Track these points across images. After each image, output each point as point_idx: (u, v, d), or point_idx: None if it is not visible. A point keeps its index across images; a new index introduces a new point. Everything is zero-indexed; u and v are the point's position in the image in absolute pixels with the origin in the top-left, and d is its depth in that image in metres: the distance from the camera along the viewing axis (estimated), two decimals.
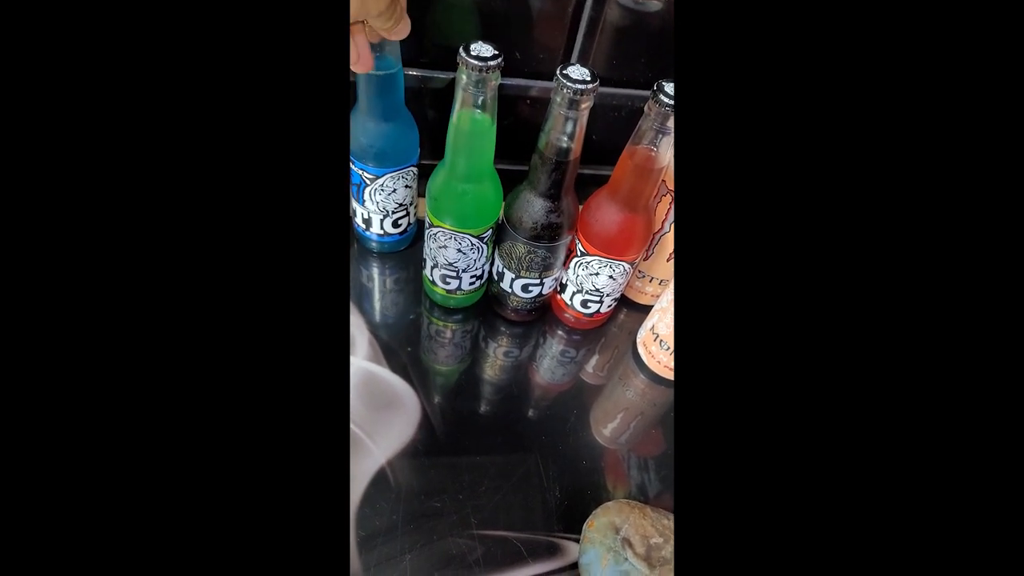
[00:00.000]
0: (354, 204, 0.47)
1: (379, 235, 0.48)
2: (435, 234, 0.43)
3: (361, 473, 0.40)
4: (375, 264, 0.54)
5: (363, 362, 0.46)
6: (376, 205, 0.45)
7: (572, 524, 0.40)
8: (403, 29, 0.34)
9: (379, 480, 0.40)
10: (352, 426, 0.42)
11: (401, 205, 0.46)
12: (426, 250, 0.46)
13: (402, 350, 0.48)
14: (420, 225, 0.53)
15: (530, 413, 0.46)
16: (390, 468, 0.41)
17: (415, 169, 0.46)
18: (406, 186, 0.44)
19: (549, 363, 0.51)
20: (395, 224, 0.47)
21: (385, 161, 0.42)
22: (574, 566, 0.38)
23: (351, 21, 0.30)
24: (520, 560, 0.38)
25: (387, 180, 0.43)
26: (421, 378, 0.46)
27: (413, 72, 0.49)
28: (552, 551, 0.39)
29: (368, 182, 0.43)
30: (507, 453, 0.43)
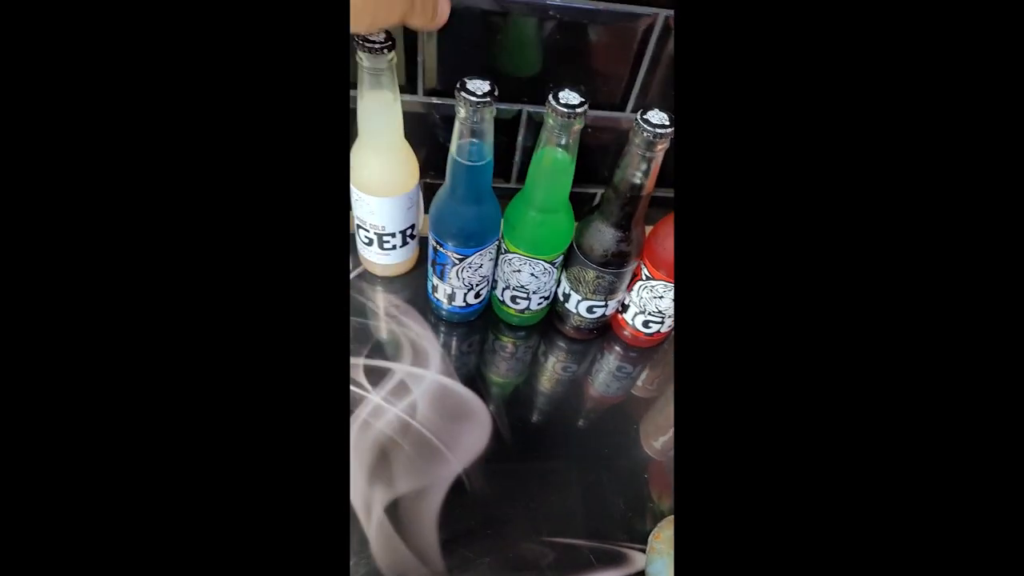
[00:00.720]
0: (436, 282, 0.49)
1: (460, 307, 0.50)
2: (510, 259, 0.46)
3: (441, 480, 0.43)
4: None
5: (437, 375, 0.49)
6: (462, 282, 0.47)
7: (636, 534, 0.43)
8: (443, 10, 0.32)
9: (457, 487, 0.43)
10: (430, 436, 0.45)
11: (484, 278, 0.48)
12: (499, 273, 0.49)
13: (471, 364, 0.51)
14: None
15: (592, 426, 0.49)
16: (466, 476, 0.44)
17: (499, 243, 0.48)
18: (490, 260, 0.47)
19: (606, 378, 0.54)
20: (476, 295, 0.50)
21: (474, 241, 0.44)
22: (640, 574, 0.41)
23: (382, 26, 0.30)
24: (589, 567, 0.41)
25: (475, 258, 0.45)
26: (489, 391, 0.50)
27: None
28: (619, 560, 0.42)
29: (456, 262, 0.45)
30: (572, 464, 0.46)
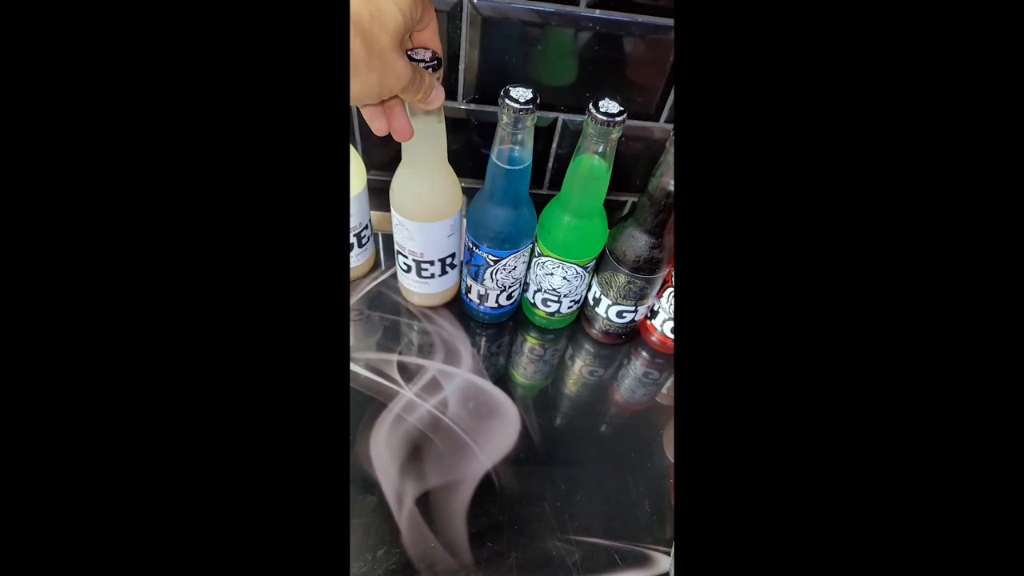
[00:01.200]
0: (471, 282, 0.50)
1: (492, 308, 0.52)
2: (543, 262, 0.47)
3: (470, 475, 0.44)
4: None
5: (468, 374, 0.51)
6: (495, 283, 0.49)
7: (660, 537, 0.43)
8: (436, 98, 0.34)
9: (486, 483, 0.44)
10: (460, 432, 0.47)
11: (516, 280, 0.50)
12: (531, 276, 0.50)
13: (499, 365, 0.53)
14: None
15: (618, 430, 0.50)
16: (495, 473, 0.45)
17: (532, 245, 0.49)
18: (523, 263, 0.48)
19: (631, 383, 0.54)
20: (508, 297, 0.51)
21: (509, 244, 0.45)
22: None
23: (377, 101, 0.31)
24: (614, 566, 0.42)
25: (510, 260, 0.46)
26: (517, 391, 0.51)
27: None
28: (643, 561, 0.42)
29: (491, 263, 0.46)
30: (599, 465, 0.47)
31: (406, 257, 0.49)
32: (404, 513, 0.42)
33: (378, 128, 0.35)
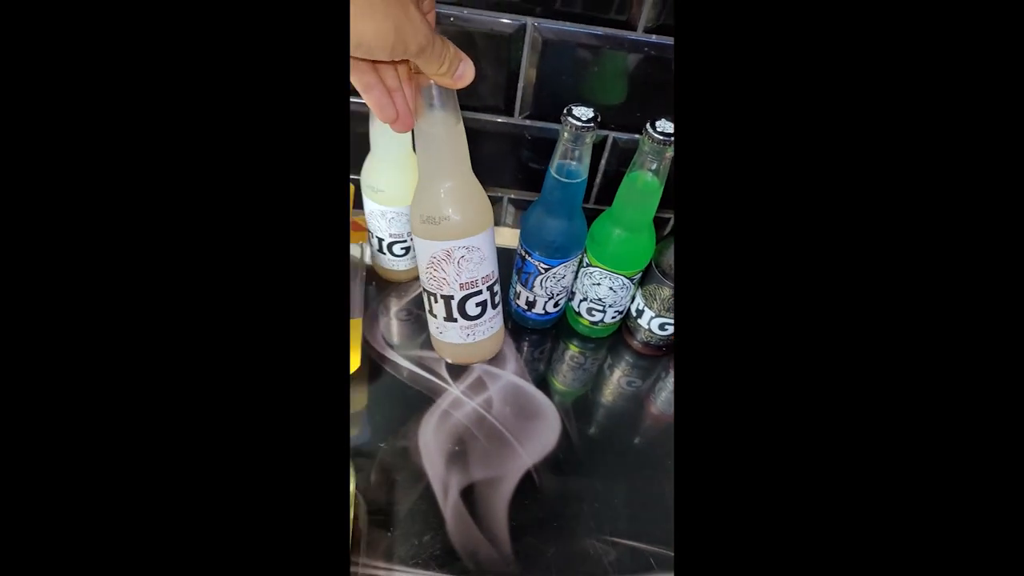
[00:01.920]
0: (520, 289, 0.52)
1: (539, 314, 0.54)
2: (591, 272, 0.49)
3: (512, 472, 0.46)
4: None
5: (512, 376, 0.53)
6: (545, 291, 0.51)
7: None
8: (465, 72, 0.30)
9: (527, 480, 0.46)
10: (503, 430, 0.49)
11: (564, 288, 0.52)
12: (577, 285, 0.52)
13: (541, 369, 0.55)
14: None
15: (658, 440, 0.51)
16: (535, 472, 0.47)
17: (581, 256, 0.51)
18: (572, 272, 0.50)
19: (668, 396, 0.56)
20: (555, 304, 0.53)
21: (560, 253, 0.47)
22: None
23: (389, 58, 0.27)
24: (649, 569, 0.43)
25: (560, 269, 0.49)
26: (560, 395, 0.53)
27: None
28: None
29: (542, 271, 0.49)
30: (636, 473, 0.48)
31: (479, 293, 0.42)
32: (449, 503, 0.44)
33: (381, 105, 0.30)
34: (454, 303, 0.42)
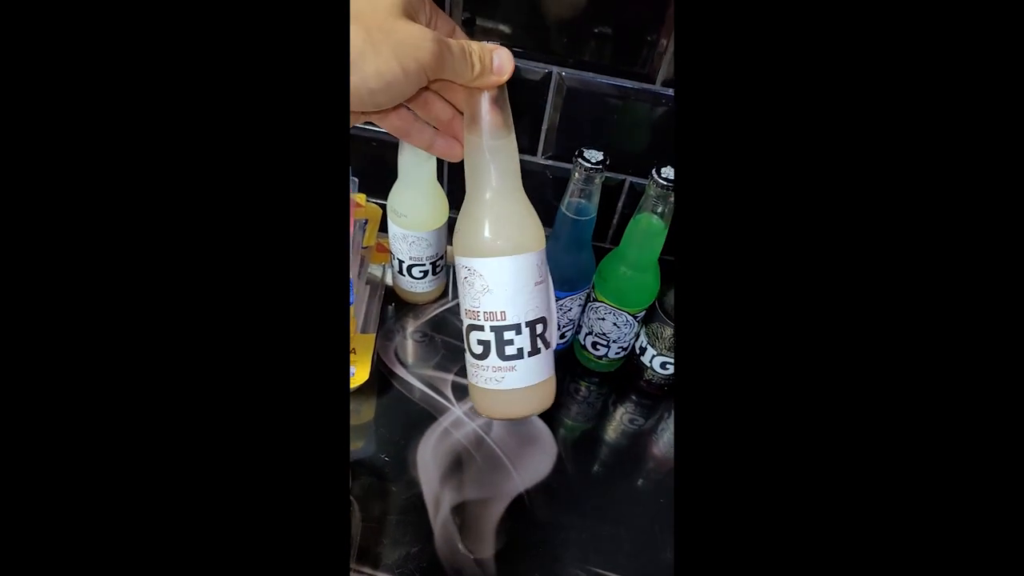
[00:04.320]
0: None
1: None
2: (597, 307, 0.51)
3: (504, 494, 0.48)
4: None
5: None
6: None
7: None
8: (504, 62, 0.26)
9: (518, 504, 0.47)
10: (500, 453, 0.50)
11: (571, 321, 0.54)
12: (584, 319, 0.54)
13: None
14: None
15: (651, 479, 0.52)
16: (527, 496, 0.48)
17: (589, 291, 0.52)
18: (579, 305, 0.52)
19: (670, 437, 0.56)
20: (562, 336, 0.55)
21: (568, 286, 0.49)
22: None
23: (415, 87, 0.24)
24: None
25: (567, 301, 0.51)
26: (561, 426, 0.54)
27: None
28: None
29: None
30: (627, 508, 0.49)
31: (481, 329, 0.33)
32: (440, 518, 0.45)
33: (431, 144, 0.28)
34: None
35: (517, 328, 0.33)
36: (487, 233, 0.33)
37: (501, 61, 0.26)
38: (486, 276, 0.33)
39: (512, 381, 0.34)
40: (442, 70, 0.24)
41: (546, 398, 0.36)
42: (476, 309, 0.33)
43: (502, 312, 0.33)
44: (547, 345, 0.35)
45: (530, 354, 0.33)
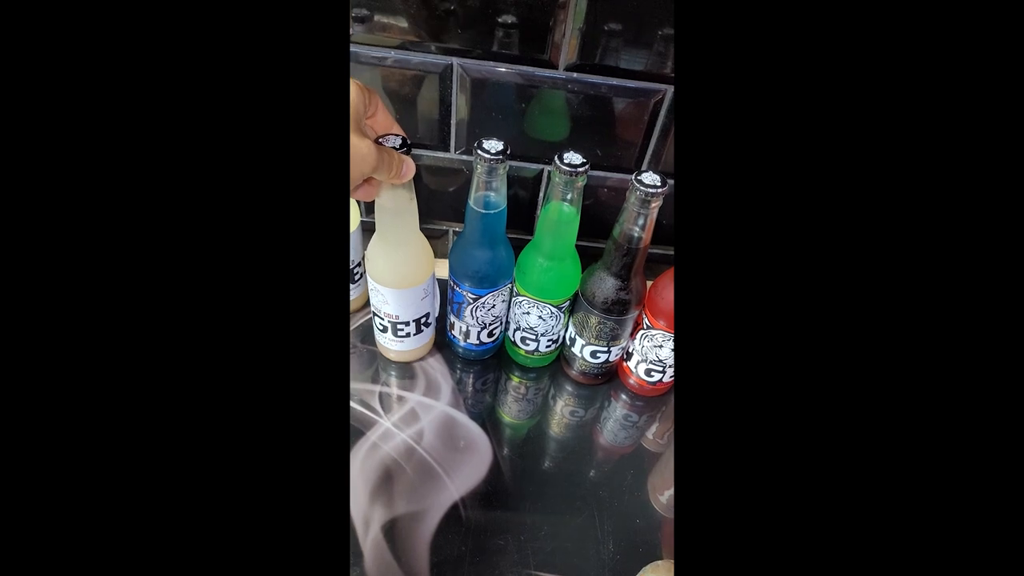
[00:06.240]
0: (453, 319, 0.53)
1: (475, 344, 0.54)
2: (520, 302, 0.50)
3: (438, 505, 0.46)
4: None
5: (446, 407, 0.53)
6: (476, 320, 0.51)
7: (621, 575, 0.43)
8: (407, 171, 0.38)
9: (452, 514, 0.45)
10: (432, 462, 0.48)
11: (496, 318, 0.52)
12: (511, 315, 0.53)
13: (483, 401, 0.54)
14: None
15: (591, 471, 0.51)
16: (462, 504, 0.46)
17: (511, 286, 0.51)
18: (503, 301, 0.51)
19: (612, 425, 0.55)
20: (489, 335, 0.54)
21: (487, 283, 0.48)
22: None
23: (353, 187, 0.35)
24: None
25: (488, 298, 0.49)
26: (495, 427, 0.52)
27: (512, 163, 0.57)
28: None
29: (471, 301, 0.49)
30: (566, 503, 0.48)
31: (382, 319, 0.51)
32: (369, 539, 0.43)
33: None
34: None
35: (407, 323, 0.51)
36: (386, 271, 0.47)
37: (406, 171, 0.38)
38: (385, 295, 0.49)
39: (402, 346, 0.54)
40: (376, 173, 0.35)
41: (423, 351, 0.56)
42: (380, 311, 0.51)
43: (396, 315, 0.50)
44: (428, 326, 0.54)
45: (415, 334, 0.53)
